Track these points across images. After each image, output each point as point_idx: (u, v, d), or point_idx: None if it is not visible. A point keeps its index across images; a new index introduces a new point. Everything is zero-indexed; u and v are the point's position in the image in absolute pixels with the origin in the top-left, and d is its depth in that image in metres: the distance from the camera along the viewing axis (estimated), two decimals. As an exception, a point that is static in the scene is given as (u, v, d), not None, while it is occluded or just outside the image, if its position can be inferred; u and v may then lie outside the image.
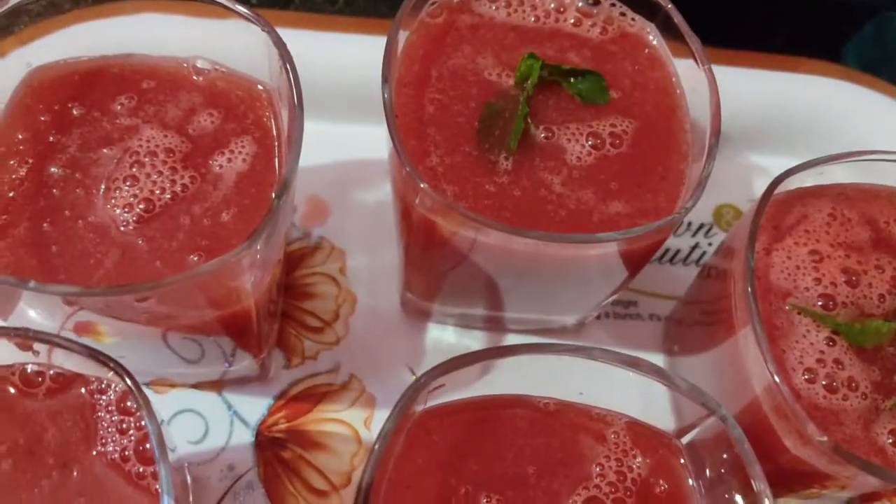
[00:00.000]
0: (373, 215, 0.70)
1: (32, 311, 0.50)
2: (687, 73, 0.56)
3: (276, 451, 0.61)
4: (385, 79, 0.50)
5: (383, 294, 0.67)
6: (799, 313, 0.49)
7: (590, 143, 0.53)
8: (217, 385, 0.62)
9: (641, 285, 0.69)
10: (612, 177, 0.52)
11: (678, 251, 0.71)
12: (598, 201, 0.51)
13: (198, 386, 0.62)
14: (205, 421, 0.61)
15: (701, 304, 0.61)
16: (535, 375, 0.48)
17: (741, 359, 0.49)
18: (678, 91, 0.56)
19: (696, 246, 0.72)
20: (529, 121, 0.53)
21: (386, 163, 0.73)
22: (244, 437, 0.61)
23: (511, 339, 0.67)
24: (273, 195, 0.46)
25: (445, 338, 0.67)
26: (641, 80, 0.56)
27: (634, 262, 0.54)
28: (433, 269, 0.58)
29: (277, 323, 0.64)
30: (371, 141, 0.72)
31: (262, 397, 0.63)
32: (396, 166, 0.51)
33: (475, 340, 0.67)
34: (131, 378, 0.41)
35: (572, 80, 0.54)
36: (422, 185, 0.47)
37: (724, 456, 0.44)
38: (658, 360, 0.66)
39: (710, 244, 0.72)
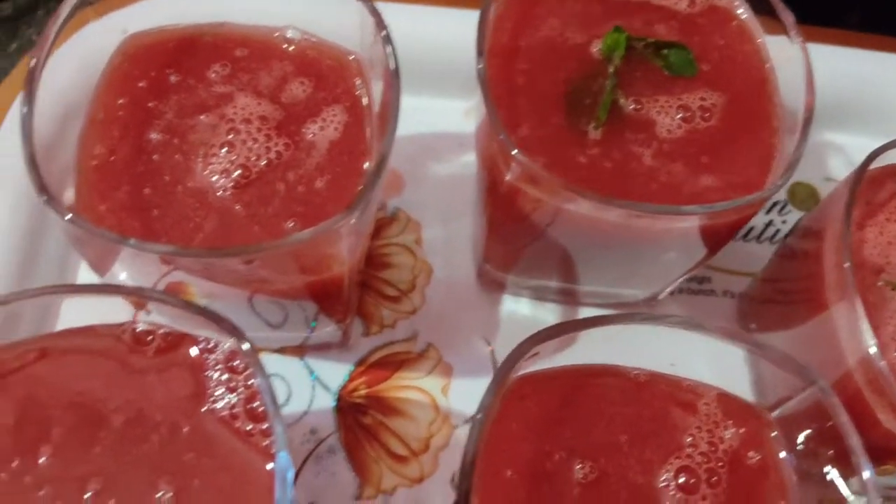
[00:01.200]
0: (446, 188, 0.71)
1: (124, 273, 0.51)
2: (776, 47, 0.55)
3: (356, 416, 0.62)
4: (480, 51, 0.50)
5: (458, 266, 0.68)
6: (893, 289, 0.49)
7: (680, 115, 0.53)
8: (299, 350, 0.64)
9: (715, 261, 0.69)
10: (703, 150, 0.52)
11: (752, 228, 0.71)
12: (688, 175, 0.51)
13: (281, 351, 0.64)
14: (288, 385, 0.63)
15: (782, 281, 0.60)
16: (625, 346, 0.49)
17: (832, 335, 0.49)
18: (767, 65, 0.55)
19: (770, 223, 0.71)
20: (618, 93, 0.53)
21: (459, 136, 0.74)
22: (326, 401, 0.63)
23: (585, 313, 0.67)
24: (373, 164, 0.47)
25: (520, 310, 0.67)
26: (730, 53, 0.56)
27: (721, 236, 0.54)
28: (516, 240, 0.59)
29: (357, 300, 0.65)
30: (444, 114, 0.74)
31: (342, 363, 0.64)
32: (488, 135, 0.52)
33: (549, 313, 0.67)
34: (243, 337, 0.42)
35: (660, 52, 0.54)
36: (516, 154, 0.48)
37: (819, 429, 0.45)
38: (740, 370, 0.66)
39: (783, 222, 0.72)
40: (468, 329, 0.66)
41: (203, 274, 0.51)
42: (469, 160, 0.73)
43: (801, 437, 0.46)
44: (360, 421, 0.62)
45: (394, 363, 0.64)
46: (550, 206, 0.50)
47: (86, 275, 0.66)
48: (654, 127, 0.52)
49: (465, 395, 0.64)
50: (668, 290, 0.66)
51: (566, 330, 0.44)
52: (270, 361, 0.63)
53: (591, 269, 0.61)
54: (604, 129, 0.52)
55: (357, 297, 0.64)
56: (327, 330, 0.62)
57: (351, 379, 0.64)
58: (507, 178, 0.50)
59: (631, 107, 0.53)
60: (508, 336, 0.66)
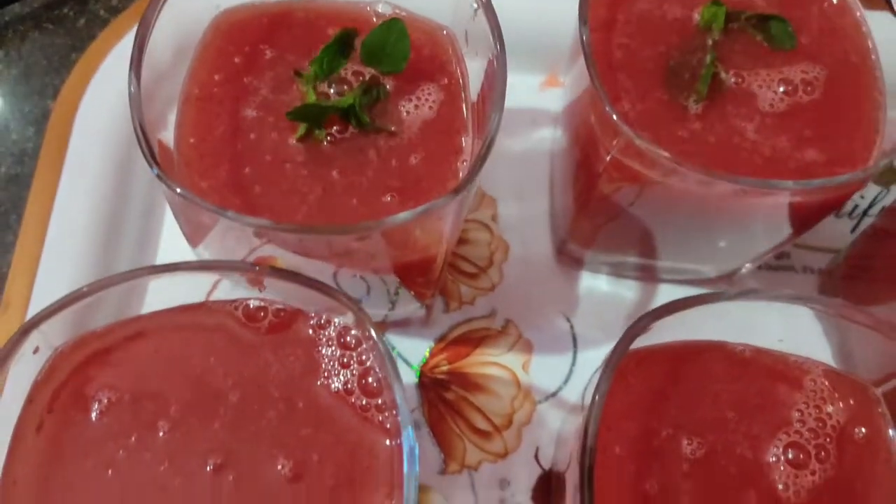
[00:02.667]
0: (521, 164, 0.70)
1: (216, 246, 0.51)
2: (877, 22, 0.54)
3: (438, 391, 0.62)
4: (584, 20, 0.50)
5: (535, 242, 0.68)
6: None
7: (782, 89, 0.52)
8: (380, 326, 0.64)
9: (795, 237, 0.69)
10: (806, 124, 0.51)
11: (830, 204, 0.70)
12: (792, 149, 0.51)
13: (362, 328, 0.64)
14: (370, 361, 0.63)
15: (870, 258, 0.60)
16: (731, 322, 0.48)
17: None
18: (868, 39, 0.55)
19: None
20: (718, 66, 0.53)
21: (533, 111, 0.73)
22: (408, 377, 0.63)
23: (663, 289, 0.67)
24: (481, 143, 0.47)
25: (598, 286, 0.67)
26: (829, 26, 0.55)
27: (819, 212, 0.53)
28: (606, 216, 0.58)
29: (444, 280, 0.65)
30: (516, 89, 0.73)
31: (423, 340, 0.64)
32: (587, 109, 0.51)
33: (628, 289, 0.67)
34: (362, 313, 0.42)
35: (760, 24, 0.54)
36: (624, 128, 0.47)
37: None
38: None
39: (861, 196, 0.71)
40: (547, 305, 0.66)
41: (296, 248, 0.51)
42: (543, 136, 0.73)
43: (909, 413, 0.46)
44: (442, 396, 0.62)
45: (474, 340, 0.64)
46: (652, 181, 0.50)
47: (164, 255, 0.66)
48: (755, 100, 0.52)
49: (546, 371, 0.64)
50: (749, 266, 0.65)
51: (680, 307, 0.44)
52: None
53: (674, 244, 0.61)
54: (705, 104, 0.51)
55: (444, 277, 0.64)
56: (410, 307, 0.62)
57: (432, 355, 0.64)
58: (610, 152, 0.50)
59: (732, 80, 0.52)
60: (588, 312, 0.66)
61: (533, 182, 0.69)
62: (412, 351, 0.64)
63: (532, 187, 0.69)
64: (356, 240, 0.46)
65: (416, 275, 0.55)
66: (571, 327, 0.65)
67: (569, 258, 0.66)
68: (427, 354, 0.64)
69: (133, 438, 0.42)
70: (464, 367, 0.64)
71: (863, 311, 0.45)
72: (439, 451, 0.61)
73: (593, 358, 0.64)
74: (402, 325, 0.64)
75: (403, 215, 0.46)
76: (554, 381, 0.64)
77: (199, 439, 0.42)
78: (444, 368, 0.63)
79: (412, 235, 0.50)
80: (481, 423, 0.62)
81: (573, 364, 0.64)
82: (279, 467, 0.42)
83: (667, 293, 0.67)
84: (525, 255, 0.67)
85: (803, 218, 0.53)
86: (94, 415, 0.42)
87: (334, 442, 0.43)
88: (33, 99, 0.73)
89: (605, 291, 0.67)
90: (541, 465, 0.61)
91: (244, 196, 0.50)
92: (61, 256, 0.61)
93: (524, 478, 0.60)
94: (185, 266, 0.43)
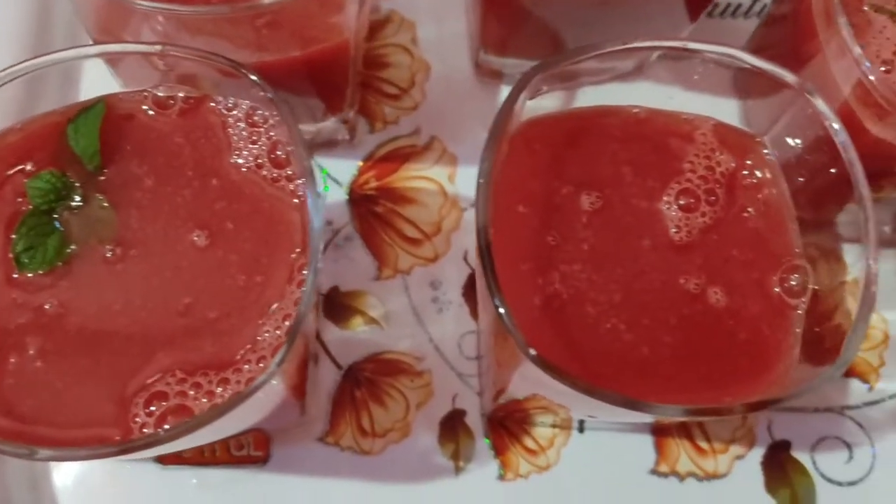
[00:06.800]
0: (437, -15, 0.71)
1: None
2: None
3: (369, 206, 0.65)
4: None
5: (455, 60, 0.69)
6: (876, 11, 0.51)
7: None
8: (308, 148, 0.66)
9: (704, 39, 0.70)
10: None
11: (739, 5, 0.72)
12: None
13: (290, 151, 0.66)
14: (301, 181, 0.65)
15: (768, 48, 0.62)
16: (623, 88, 0.51)
17: (823, 66, 0.52)
18: None
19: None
20: None
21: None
22: (338, 195, 0.65)
23: (581, 90, 0.69)
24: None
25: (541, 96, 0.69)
26: None
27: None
28: (512, 16, 0.60)
29: (359, 92, 0.67)
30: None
31: (351, 160, 0.66)
32: None
33: (548, 98, 0.69)
34: (271, 90, 0.43)
35: None
36: None
37: (811, 140, 0.47)
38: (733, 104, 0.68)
39: (769, -6, 0.73)
40: (470, 119, 0.68)
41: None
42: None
43: (792, 154, 0.49)
44: (372, 210, 0.65)
45: (400, 156, 0.67)
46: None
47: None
48: None
49: (472, 180, 0.64)
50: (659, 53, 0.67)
51: (560, 61, 0.47)
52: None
53: (582, 41, 0.62)
54: None
55: (358, 95, 0.66)
56: (332, 125, 0.64)
57: (360, 173, 0.66)
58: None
59: None
60: (509, 123, 0.68)
61: (450, 1, 0.70)
62: (341, 170, 0.66)
63: (450, 7, 0.70)
64: (265, 24, 0.47)
65: (329, 75, 0.57)
66: (494, 139, 0.67)
67: (488, 71, 0.68)
68: (356, 173, 0.66)
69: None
70: (392, 183, 0.66)
71: (751, 56, 0.47)
72: (373, 260, 0.64)
73: (515, 163, 0.66)
74: (330, 147, 0.66)
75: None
76: (479, 189, 0.66)
77: (117, 227, 0.45)
78: (373, 185, 0.66)
79: (318, 18, 0.51)
80: (411, 232, 0.65)
81: (497, 171, 0.66)
82: (194, 238, 0.45)
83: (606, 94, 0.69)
84: (446, 74, 0.69)
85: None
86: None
87: (249, 211, 0.45)
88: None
89: (527, 104, 0.69)
90: (469, 266, 0.64)
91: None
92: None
93: (454, 278, 0.64)
94: (91, 51, 0.44)
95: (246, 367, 0.43)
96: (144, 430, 0.41)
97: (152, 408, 0.42)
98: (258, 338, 0.43)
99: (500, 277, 0.46)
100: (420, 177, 0.66)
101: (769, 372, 0.46)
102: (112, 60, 0.49)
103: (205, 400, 0.42)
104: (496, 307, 0.42)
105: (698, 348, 0.47)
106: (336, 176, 0.66)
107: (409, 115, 0.68)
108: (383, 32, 0.70)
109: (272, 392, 0.43)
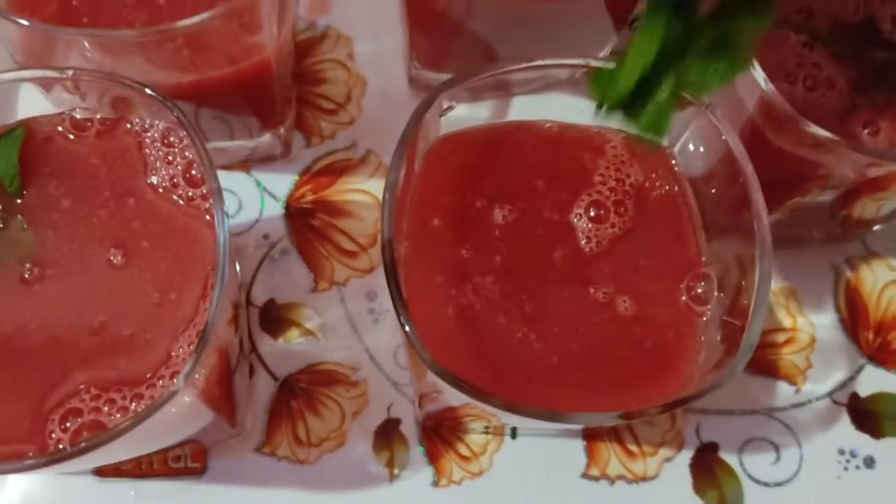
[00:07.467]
0: (374, 2, 0.73)
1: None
2: None
3: (305, 219, 0.66)
4: None
5: (391, 75, 0.71)
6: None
7: None
8: (245, 165, 0.67)
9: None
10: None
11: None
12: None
13: (228, 167, 0.67)
14: (238, 197, 0.66)
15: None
16: (534, 102, 0.52)
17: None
18: None
19: None
20: None
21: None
22: (275, 209, 0.66)
23: (517, 101, 0.70)
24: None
25: (455, 112, 0.70)
26: None
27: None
28: (441, 32, 0.61)
29: (294, 108, 0.68)
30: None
31: (287, 174, 0.67)
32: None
33: (484, 110, 0.70)
34: (178, 109, 0.45)
35: None
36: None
37: (714, 152, 0.49)
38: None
39: None
40: (405, 133, 0.69)
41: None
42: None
43: (698, 166, 0.51)
44: (309, 224, 0.66)
45: (336, 170, 0.68)
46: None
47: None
48: None
49: None
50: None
51: (465, 78, 0.48)
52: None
53: (510, 55, 0.64)
54: None
55: (293, 110, 0.67)
56: (267, 141, 0.65)
57: (297, 187, 0.67)
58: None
59: None
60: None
61: (388, 17, 0.72)
62: (277, 185, 0.67)
63: (386, 24, 0.72)
64: (183, 45, 0.48)
65: (255, 94, 0.58)
66: (430, 151, 0.69)
67: (421, 85, 0.69)
68: (292, 187, 0.67)
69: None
70: (328, 196, 0.67)
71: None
72: (309, 272, 0.65)
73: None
74: (266, 162, 0.67)
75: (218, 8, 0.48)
76: (415, 201, 0.68)
77: (36, 248, 0.46)
78: (310, 198, 0.67)
79: (234, 36, 0.52)
80: (347, 244, 0.66)
81: (432, 184, 0.68)
82: (110, 257, 0.46)
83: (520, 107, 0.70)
84: (382, 88, 0.71)
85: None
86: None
87: (164, 230, 0.47)
88: None
89: (460, 116, 0.70)
90: (405, 276, 0.65)
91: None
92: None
93: (389, 287, 0.65)
94: (5, 77, 0.45)
95: (160, 382, 0.44)
96: (60, 446, 0.42)
97: (67, 424, 0.43)
98: (172, 353, 0.44)
99: (416, 290, 0.48)
100: (356, 190, 0.67)
101: (675, 377, 0.48)
102: (42, 84, 0.51)
103: (118, 415, 0.43)
104: (401, 323, 0.43)
105: (606, 356, 0.48)
106: (272, 190, 0.67)
107: (345, 130, 0.69)
108: (320, 48, 0.71)
109: (186, 406, 0.44)
